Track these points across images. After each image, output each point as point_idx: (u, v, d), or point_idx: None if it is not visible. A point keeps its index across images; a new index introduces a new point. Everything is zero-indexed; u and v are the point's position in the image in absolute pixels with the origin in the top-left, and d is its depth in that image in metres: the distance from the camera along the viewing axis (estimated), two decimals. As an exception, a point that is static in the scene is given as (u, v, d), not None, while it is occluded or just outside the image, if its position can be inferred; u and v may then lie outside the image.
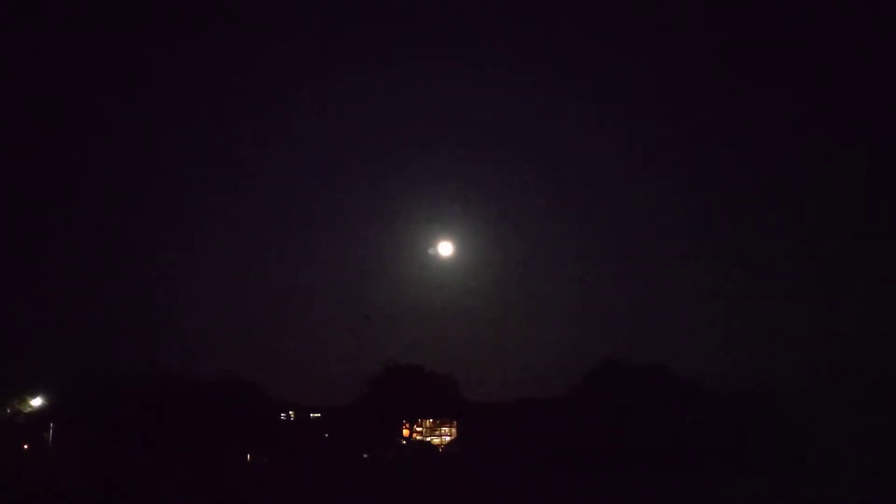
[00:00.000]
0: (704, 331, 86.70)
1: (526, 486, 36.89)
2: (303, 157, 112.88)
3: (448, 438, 65.45)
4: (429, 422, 66.16)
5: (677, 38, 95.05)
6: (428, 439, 65.63)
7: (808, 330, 74.71)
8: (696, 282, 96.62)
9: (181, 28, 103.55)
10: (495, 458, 50.45)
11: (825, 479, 34.24)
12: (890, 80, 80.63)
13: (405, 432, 64.89)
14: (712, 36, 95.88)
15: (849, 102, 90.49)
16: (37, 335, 71.03)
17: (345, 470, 50.57)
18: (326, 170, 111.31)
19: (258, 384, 66.37)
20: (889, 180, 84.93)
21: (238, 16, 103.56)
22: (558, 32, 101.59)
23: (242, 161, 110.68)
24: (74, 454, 55.74)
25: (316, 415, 70.20)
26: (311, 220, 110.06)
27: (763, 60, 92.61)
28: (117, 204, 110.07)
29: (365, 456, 60.90)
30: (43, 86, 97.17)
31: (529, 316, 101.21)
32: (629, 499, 33.32)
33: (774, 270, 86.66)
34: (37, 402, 62.67)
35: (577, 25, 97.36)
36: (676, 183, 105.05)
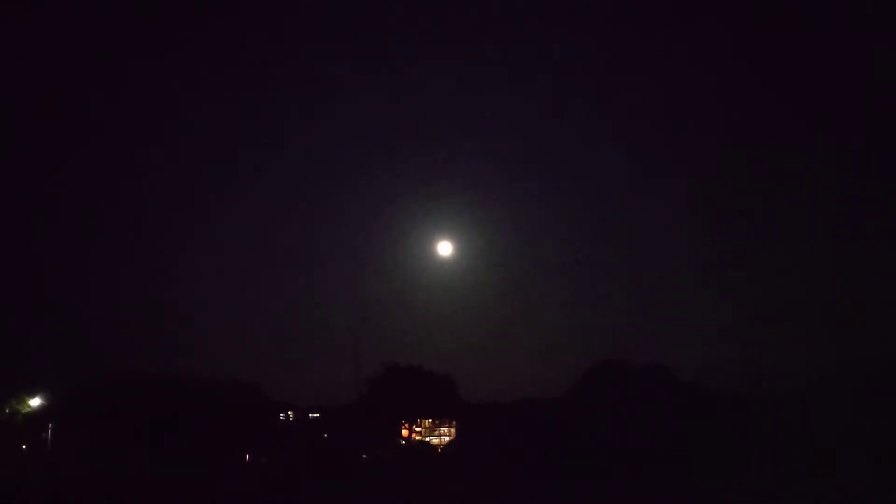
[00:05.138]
0: (704, 331, 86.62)
1: (525, 487, 36.79)
2: (303, 158, 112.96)
3: (447, 439, 65.29)
4: (428, 422, 66.00)
5: (678, 37, 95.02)
6: (427, 439, 65.47)
7: (808, 330, 74.65)
8: (697, 282, 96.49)
9: (184, 27, 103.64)
10: (494, 458, 50.30)
11: (825, 479, 34.09)
12: (890, 81, 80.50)
13: (404, 432, 64.75)
14: (714, 36, 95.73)
15: (848, 102, 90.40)
16: (37, 335, 71.05)
17: (343, 470, 50.45)
18: (327, 170, 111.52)
19: (258, 384, 66.44)
20: (889, 179, 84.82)
21: (240, 15, 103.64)
22: (559, 33, 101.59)
23: (243, 161, 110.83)
24: (73, 455, 55.65)
25: (315, 415, 70.10)
26: (312, 221, 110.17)
27: (765, 59, 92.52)
28: (117, 204, 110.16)
29: (364, 456, 60.75)
30: (43, 84, 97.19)
31: (529, 316, 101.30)
32: (629, 499, 33.19)
33: (774, 270, 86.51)
34: (35, 402, 62.57)
35: (579, 26, 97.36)
36: (677, 183, 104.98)
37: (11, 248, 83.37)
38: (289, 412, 70.95)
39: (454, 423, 65.21)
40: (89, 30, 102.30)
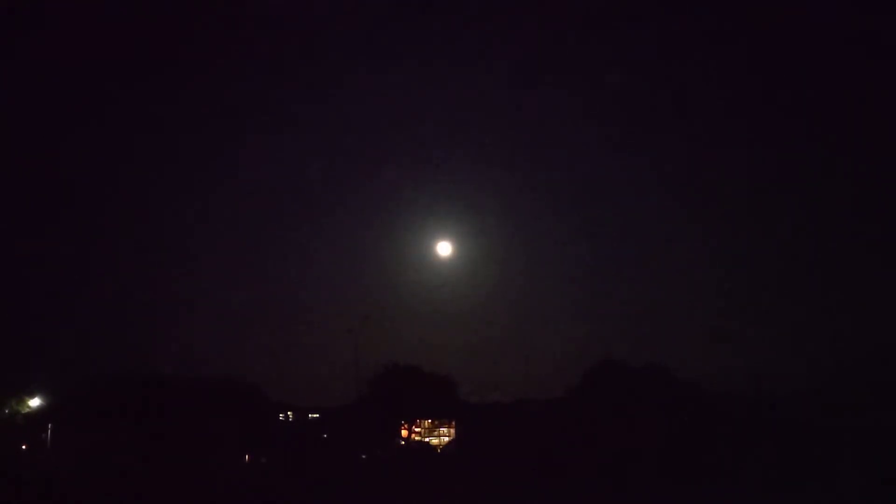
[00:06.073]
0: (704, 331, 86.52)
1: (524, 487, 36.78)
2: (302, 157, 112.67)
3: (447, 439, 65.33)
4: (427, 422, 66.04)
5: (679, 37, 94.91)
6: (427, 440, 65.51)
7: (808, 330, 74.61)
8: (696, 282, 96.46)
9: (182, 26, 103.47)
10: (493, 458, 50.32)
11: (825, 480, 34.08)
12: (890, 81, 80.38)
13: (404, 433, 64.80)
14: (717, 36, 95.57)
15: (848, 101, 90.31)
16: (36, 335, 71.05)
17: (343, 470, 50.48)
18: (326, 170, 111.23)
19: (257, 384, 66.49)
20: (890, 179, 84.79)
21: (239, 14, 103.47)
22: (559, 33, 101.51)
23: (242, 161, 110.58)
24: (73, 455, 55.64)
25: (314, 415, 70.16)
26: (311, 220, 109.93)
27: (767, 59, 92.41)
28: (116, 203, 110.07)
29: (364, 456, 60.78)
30: (41, 84, 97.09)
31: (529, 316, 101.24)
32: (628, 500, 33.20)
33: (774, 270, 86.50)
34: (35, 402, 62.57)
35: (580, 25, 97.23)
36: (677, 183, 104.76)
37: (11, 247, 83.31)
38: (289, 412, 71.02)
39: (454, 423, 65.24)
40: (88, 27, 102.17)
